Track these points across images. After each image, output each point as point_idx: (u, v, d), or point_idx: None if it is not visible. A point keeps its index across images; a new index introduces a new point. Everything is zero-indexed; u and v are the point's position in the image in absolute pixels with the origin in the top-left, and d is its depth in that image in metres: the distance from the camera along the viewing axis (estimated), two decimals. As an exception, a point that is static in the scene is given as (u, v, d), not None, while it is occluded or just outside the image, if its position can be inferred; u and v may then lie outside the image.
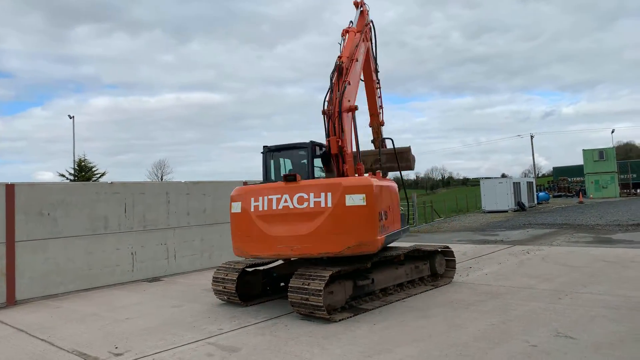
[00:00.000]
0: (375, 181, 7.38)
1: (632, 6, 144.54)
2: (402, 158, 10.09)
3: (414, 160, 10.38)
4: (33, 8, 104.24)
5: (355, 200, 6.87)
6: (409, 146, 10.59)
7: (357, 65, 9.06)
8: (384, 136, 10.97)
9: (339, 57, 8.60)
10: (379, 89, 11.15)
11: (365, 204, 6.89)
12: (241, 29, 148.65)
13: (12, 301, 9.22)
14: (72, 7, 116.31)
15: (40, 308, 8.81)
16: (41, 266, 9.69)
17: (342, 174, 7.74)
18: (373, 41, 10.65)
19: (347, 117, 8.24)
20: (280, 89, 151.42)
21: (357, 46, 9.22)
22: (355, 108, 8.45)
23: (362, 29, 9.93)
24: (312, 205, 6.99)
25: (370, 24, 10.47)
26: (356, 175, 7.96)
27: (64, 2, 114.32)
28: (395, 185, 8.75)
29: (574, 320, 6.18)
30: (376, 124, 11.12)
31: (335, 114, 7.95)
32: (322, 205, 6.93)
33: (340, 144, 7.86)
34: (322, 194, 6.96)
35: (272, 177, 8.22)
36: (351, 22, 9.80)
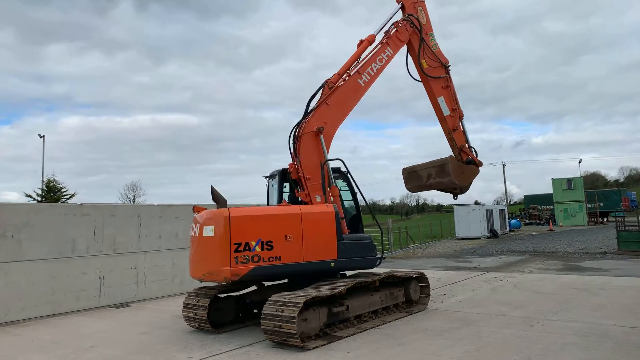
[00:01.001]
0: (236, 212, 7.31)
1: (594, 43, 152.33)
2: (443, 172, 9.68)
3: (462, 176, 9.76)
4: (5, 24, 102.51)
5: (207, 231, 7.39)
6: (449, 157, 9.89)
7: (356, 80, 9.02)
8: (472, 146, 10.42)
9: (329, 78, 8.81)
10: (447, 87, 10.33)
11: (213, 235, 7.25)
12: (219, 51, 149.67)
13: (-32, 328, 8.74)
14: (46, 25, 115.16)
15: (-2, 335, 8.36)
16: (2, 291, 9.24)
17: (300, 201, 8.23)
18: (416, 37, 10.10)
19: (309, 140, 8.36)
20: (257, 113, 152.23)
21: (367, 57, 9.22)
22: (319, 131, 8.30)
23: (390, 30, 9.78)
24: (196, 234, 7.72)
25: (407, 21, 10.01)
26: (319, 200, 8.13)
27: (37, 19, 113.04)
28: (322, 210, 7.89)
29: (545, 347, 6.23)
30: (447, 129, 10.35)
31: (298, 138, 8.42)
32: (196, 234, 7.69)
33: (298, 169, 8.19)
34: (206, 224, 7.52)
35: (274, 202, 8.83)
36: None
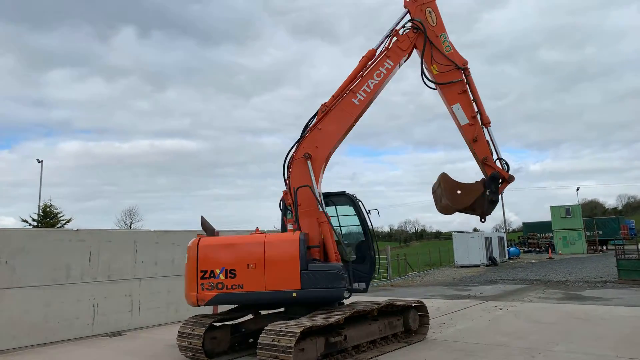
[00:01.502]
0: (205, 241, 8.09)
1: (591, 71, 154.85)
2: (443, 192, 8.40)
3: (457, 196, 8.34)
4: (5, 50, 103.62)
5: (186, 258, 8.09)
6: (441, 174, 8.55)
7: (350, 100, 8.72)
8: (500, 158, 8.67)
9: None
10: (464, 93, 8.76)
11: (187, 262, 8.04)
12: (219, 78, 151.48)
13: (-44, 357, 8.53)
14: (47, 51, 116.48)
15: (-13, 365, 8.16)
16: (-7, 318, 9.07)
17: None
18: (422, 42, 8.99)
19: (298, 166, 8.48)
20: (255, 139, 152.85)
21: (362, 73, 8.82)
22: (306, 157, 8.32)
23: (390, 41, 9.03)
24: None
25: (410, 27, 9.07)
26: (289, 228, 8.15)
27: (39, 46, 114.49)
28: (285, 239, 7.89)
29: (548, 380, 6.09)
30: (468, 137, 8.73)
31: (290, 165, 8.55)
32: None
33: (289, 195, 8.32)
34: (187, 252, 8.18)
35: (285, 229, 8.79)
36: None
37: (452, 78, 8.87)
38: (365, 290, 8.68)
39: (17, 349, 9.23)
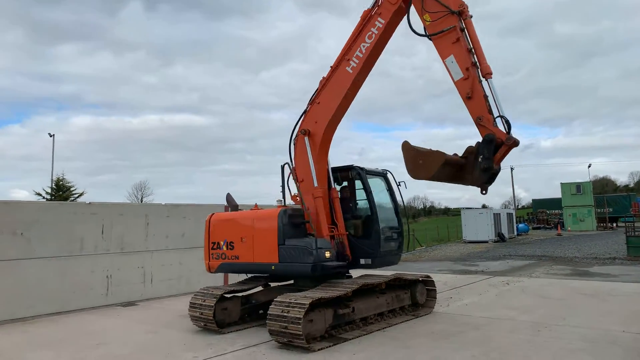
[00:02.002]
0: (215, 216, 9.13)
1: (606, 44, 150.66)
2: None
3: (419, 167, 6.71)
4: (15, 24, 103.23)
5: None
6: (404, 142, 6.90)
7: (344, 68, 8.19)
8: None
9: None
10: (457, 41, 7.16)
11: (204, 234, 9.04)
12: (226, 53, 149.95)
13: (-23, 324, 8.83)
14: (56, 25, 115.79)
15: (7, 332, 8.43)
16: (11, 288, 9.33)
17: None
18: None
19: (299, 142, 8.55)
20: (264, 114, 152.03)
21: (356, 37, 8.11)
22: (303, 133, 8.45)
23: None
24: None
25: None
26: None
27: (47, 20, 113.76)
28: (267, 215, 8.21)
29: (553, 352, 6.17)
30: (461, 94, 7.19)
31: (293, 142, 8.64)
32: None
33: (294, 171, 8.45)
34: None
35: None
36: None
37: (444, 26, 7.34)
38: (373, 266, 8.50)
39: (34, 317, 9.53)
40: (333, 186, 8.61)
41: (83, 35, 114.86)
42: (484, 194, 7.01)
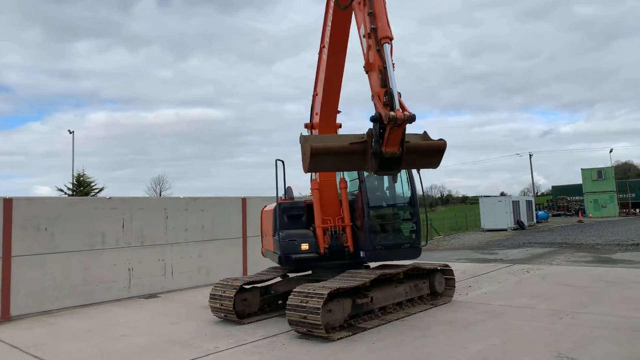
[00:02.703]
0: (265, 208, 9.92)
1: (629, 25, 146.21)
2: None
3: (303, 157, 5.85)
4: (33, 22, 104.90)
5: None
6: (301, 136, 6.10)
7: (321, 56, 7.96)
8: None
9: None
10: (361, 6, 6.08)
11: None
12: (240, 45, 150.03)
13: (6, 317, 9.11)
14: (72, 22, 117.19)
15: (35, 324, 8.70)
16: (37, 281, 9.60)
17: None
18: None
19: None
20: (279, 106, 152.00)
21: (324, 22, 7.66)
22: (305, 125, 8.75)
23: None
24: None
25: None
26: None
27: (63, 17, 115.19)
28: (269, 208, 9.42)
29: (575, 341, 6.11)
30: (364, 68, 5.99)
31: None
32: None
33: None
34: None
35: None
36: None
37: None
38: (367, 259, 8.30)
39: (60, 309, 9.79)
40: (342, 176, 8.62)
41: (98, 31, 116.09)
42: (395, 182, 6.28)
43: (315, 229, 8.36)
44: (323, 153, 5.70)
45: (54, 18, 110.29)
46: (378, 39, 5.64)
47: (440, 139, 5.81)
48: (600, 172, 44.25)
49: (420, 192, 8.97)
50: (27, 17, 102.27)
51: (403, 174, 8.77)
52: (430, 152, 5.78)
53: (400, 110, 5.18)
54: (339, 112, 8.74)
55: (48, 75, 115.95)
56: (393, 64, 5.55)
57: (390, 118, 5.10)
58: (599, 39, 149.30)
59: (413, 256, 8.46)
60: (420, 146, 5.74)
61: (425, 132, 6.04)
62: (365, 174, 8.30)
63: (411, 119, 5.19)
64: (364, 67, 5.88)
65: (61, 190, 35.66)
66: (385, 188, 9.02)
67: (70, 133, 40.22)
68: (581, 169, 45.70)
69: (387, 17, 5.80)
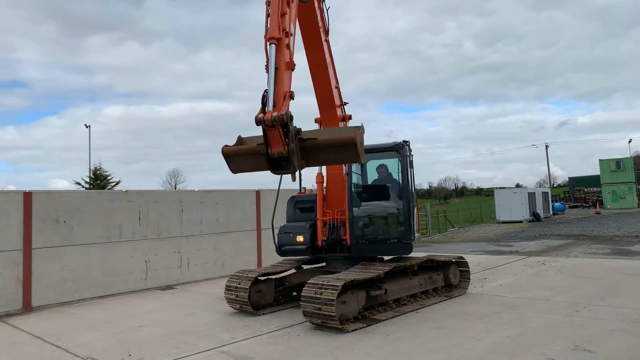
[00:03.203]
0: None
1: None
2: None
3: None
4: (47, 18, 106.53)
5: None
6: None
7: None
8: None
9: None
10: None
11: None
12: (252, 37, 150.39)
13: (28, 307, 9.34)
14: (85, 17, 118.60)
15: (55, 315, 8.90)
16: (57, 273, 9.80)
17: None
18: None
19: None
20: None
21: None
22: (318, 120, 8.60)
23: None
24: None
25: None
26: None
27: (76, 12, 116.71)
28: None
29: (592, 333, 6.05)
30: None
31: None
32: None
33: None
34: None
35: None
36: None
37: None
38: (351, 255, 8.13)
39: (79, 300, 10.00)
40: (346, 169, 8.61)
41: (111, 26, 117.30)
42: (293, 180, 5.83)
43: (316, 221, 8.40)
44: (234, 155, 5.73)
45: (67, 13, 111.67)
46: (268, 40, 5.71)
47: (355, 131, 5.51)
48: (618, 163, 43.47)
49: (412, 185, 8.31)
50: (42, 13, 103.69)
51: (394, 167, 8.41)
52: (341, 147, 5.41)
53: (271, 112, 5.09)
54: (346, 103, 8.73)
55: (63, 70, 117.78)
56: (290, 64, 5.68)
57: (257, 120, 5.13)
58: (617, 26, 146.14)
59: (403, 252, 8.15)
60: (325, 142, 5.46)
61: (361, 124, 5.89)
62: (353, 166, 8.34)
63: (278, 119, 5.03)
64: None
65: (79, 183, 36.25)
66: (376, 180, 8.96)
67: (87, 127, 40.84)
68: (599, 160, 45.01)
69: (279, 15, 5.83)
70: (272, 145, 5.31)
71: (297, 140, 5.31)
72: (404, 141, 8.29)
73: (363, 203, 8.38)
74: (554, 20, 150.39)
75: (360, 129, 5.59)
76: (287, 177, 5.97)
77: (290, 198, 9.07)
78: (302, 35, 7.45)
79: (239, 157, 5.76)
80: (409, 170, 8.16)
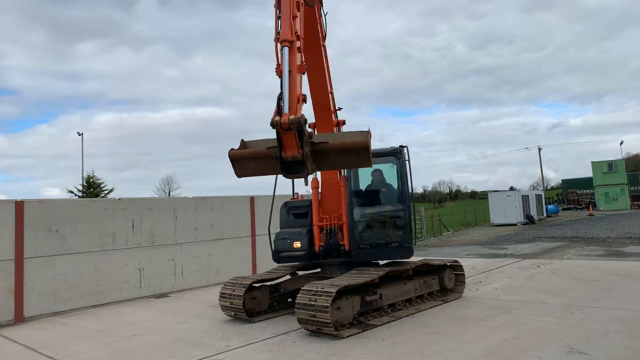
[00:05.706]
0: None
1: (638, 14, 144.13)
2: None
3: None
4: (35, 24, 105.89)
5: None
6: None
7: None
8: None
9: None
10: None
11: None
12: (243, 42, 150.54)
13: (20, 318, 9.23)
14: (75, 23, 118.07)
15: (48, 325, 8.80)
16: (50, 283, 9.71)
17: None
18: None
19: None
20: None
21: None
22: (312, 125, 8.50)
23: None
24: None
25: None
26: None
27: (66, 18, 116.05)
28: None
29: (586, 335, 6.07)
30: None
31: None
32: None
33: None
34: None
35: None
36: None
37: None
38: (351, 260, 8.10)
39: (72, 310, 9.90)
40: (343, 174, 8.61)
41: (101, 32, 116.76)
42: (306, 184, 5.81)
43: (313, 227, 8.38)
44: (242, 158, 5.53)
45: (56, 19, 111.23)
46: (280, 43, 5.64)
47: (365, 135, 5.44)
48: (610, 165, 43.83)
49: (410, 190, 8.29)
50: (29, 19, 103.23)
51: (394, 171, 8.41)
52: (353, 152, 5.32)
53: (287, 114, 5.00)
54: (339, 108, 8.77)
55: (53, 77, 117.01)
56: (301, 67, 5.56)
57: (274, 123, 5.01)
58: (608, 29, 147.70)
59: (404, 256, 8.09)
60: (337, 146, 5.36)
61: (369, 129, 5.76)
62: (352, 171, 8.35)
63: (295, 122, 4.93)
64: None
65: (71, 192, 35.96)
66: (374, 185, 8.87)
67: (79, 135, 40.60)
68: (591, 162, 45.35)
69: (291, 18, 5.79)
70: (286, 149, 5.14)
71: (309, 144, 5.21)
72: (401, 146, 8.35)
73: (363, 207, 8.35)
74: (545, 22, 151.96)
75: (369, 134, 5.59)
76: (284, 183, 5.98)
77: (284, 204, 9.01)
78: (303, 39, 7.42)
79: (247, 160, 5.57)
80: (408, 174, 8.22)
